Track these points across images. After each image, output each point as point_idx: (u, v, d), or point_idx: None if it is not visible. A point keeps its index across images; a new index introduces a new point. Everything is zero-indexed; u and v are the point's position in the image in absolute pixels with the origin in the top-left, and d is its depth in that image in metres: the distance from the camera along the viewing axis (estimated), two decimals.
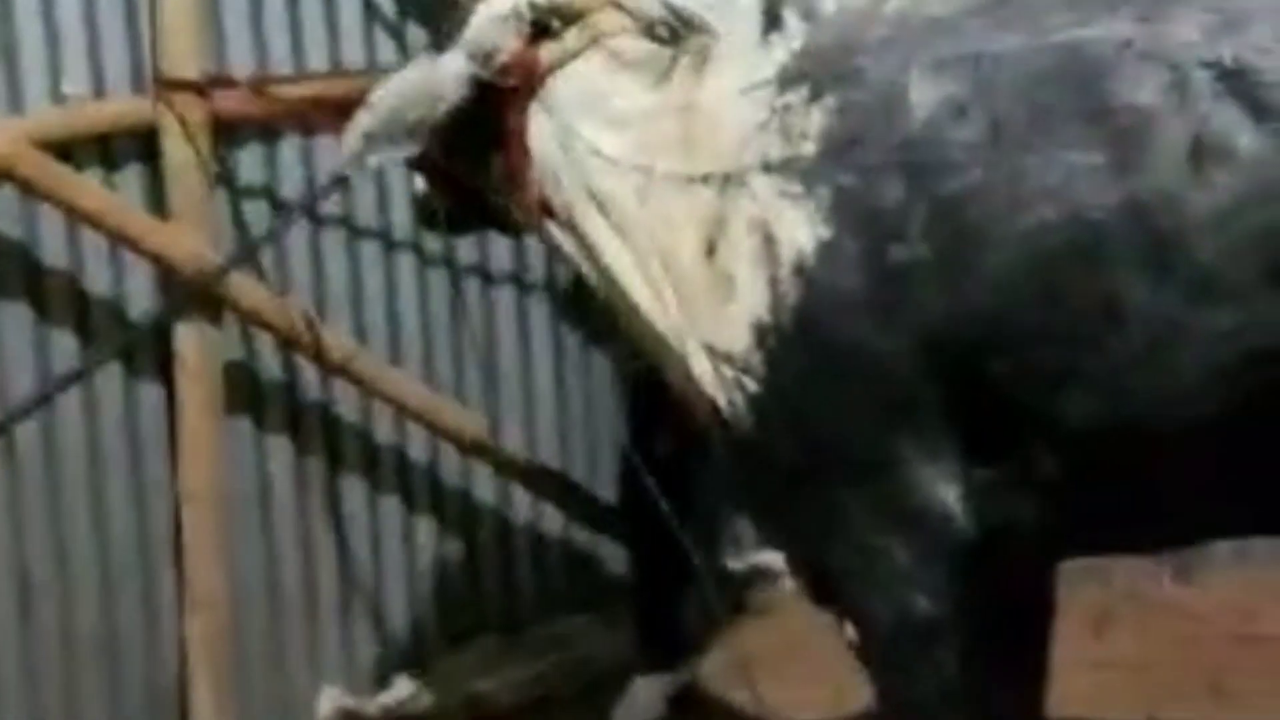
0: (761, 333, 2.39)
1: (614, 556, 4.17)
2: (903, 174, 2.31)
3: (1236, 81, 2.17)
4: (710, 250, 2.45)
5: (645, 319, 2.55)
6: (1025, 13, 2.33)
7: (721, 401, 2.45)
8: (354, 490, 3.97)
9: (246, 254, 3.73)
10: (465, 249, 4.02)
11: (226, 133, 3.69)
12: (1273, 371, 2.17)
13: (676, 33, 2.56)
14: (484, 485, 4.17)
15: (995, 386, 2.29)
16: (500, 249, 4.07)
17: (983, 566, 2.39)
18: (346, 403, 3.94)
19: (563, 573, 4.29)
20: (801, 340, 2.37)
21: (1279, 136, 2.14)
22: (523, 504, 4.23)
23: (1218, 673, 3.80)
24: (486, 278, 4.12)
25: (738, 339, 2.41)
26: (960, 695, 2.41)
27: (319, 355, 3.80)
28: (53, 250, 3.58)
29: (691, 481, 3.40)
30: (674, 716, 3.79)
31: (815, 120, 2.38)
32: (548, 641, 4.16)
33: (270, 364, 3.85)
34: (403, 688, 3.93)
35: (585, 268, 2.64)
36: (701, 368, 2.47)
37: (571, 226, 2.61)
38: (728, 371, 2.42)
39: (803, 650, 2.74)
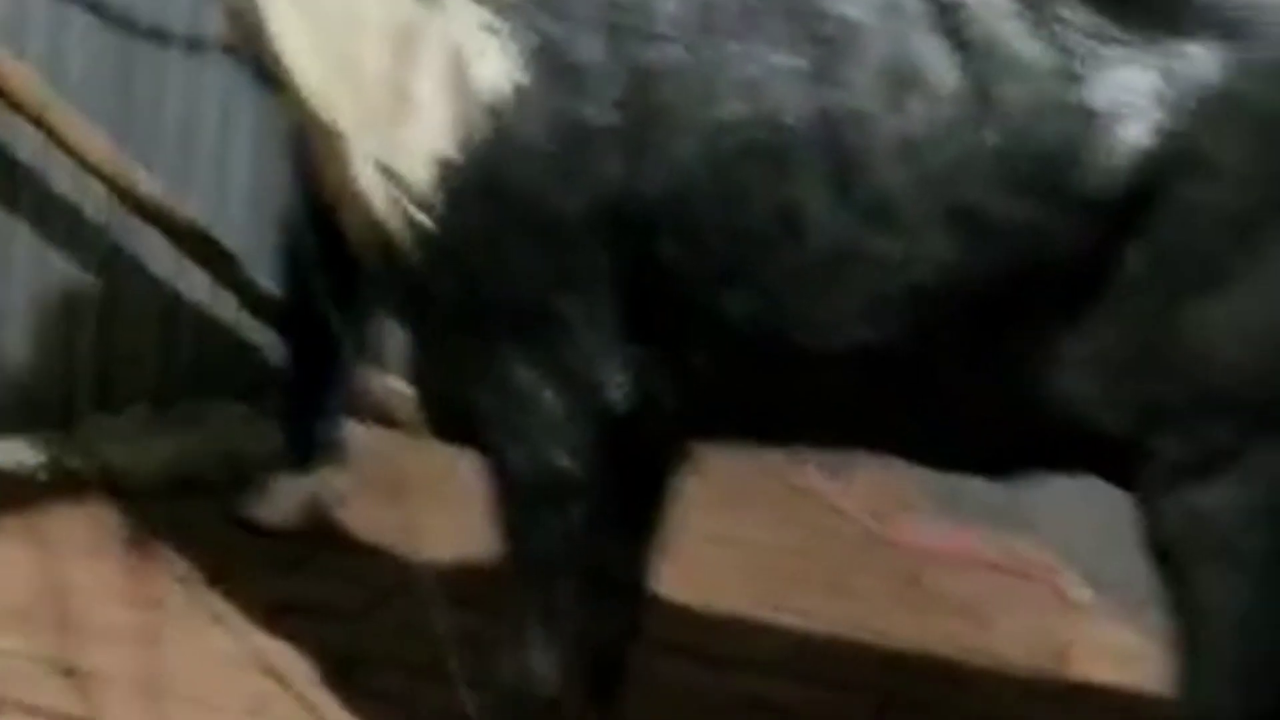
0: (444, 170, 2.33)
1: (276, 348, 4.09)
2: (608, 35, 2.26)
3: (948, 14, 2.17)
4: (396, 63, 2.35)
5: (314, 111, 2.43)
6: None
7: (391, 225, 2.40)
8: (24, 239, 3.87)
9: None
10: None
11: None
12: (933, 310, 2.19)
13: None
14: (161, 254, 4.08)
15: (663, 270, 2.28)
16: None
17: (623, 435, 2.40)
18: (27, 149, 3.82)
19: (225, 357, 4.22)
20: (484, 186, 2.32)
21: (978, 79, 2.15)
22: (198, 281, 4.15)
23: (843, 570, 3.89)
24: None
25: (417, 170, 2.34)
26: (580, 555, 2.43)
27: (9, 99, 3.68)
28: None
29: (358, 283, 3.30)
30: (318, 533, 3.75)
31: None
32: (197, 423, 4.08)
33: None
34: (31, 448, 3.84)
35: (262, 38, 2.47)
36: (372, 184, 2.38)
37: None
38: (403, 201, 2.36)
39: (455, 475, 2.71)
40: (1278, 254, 2.08)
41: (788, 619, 3.53)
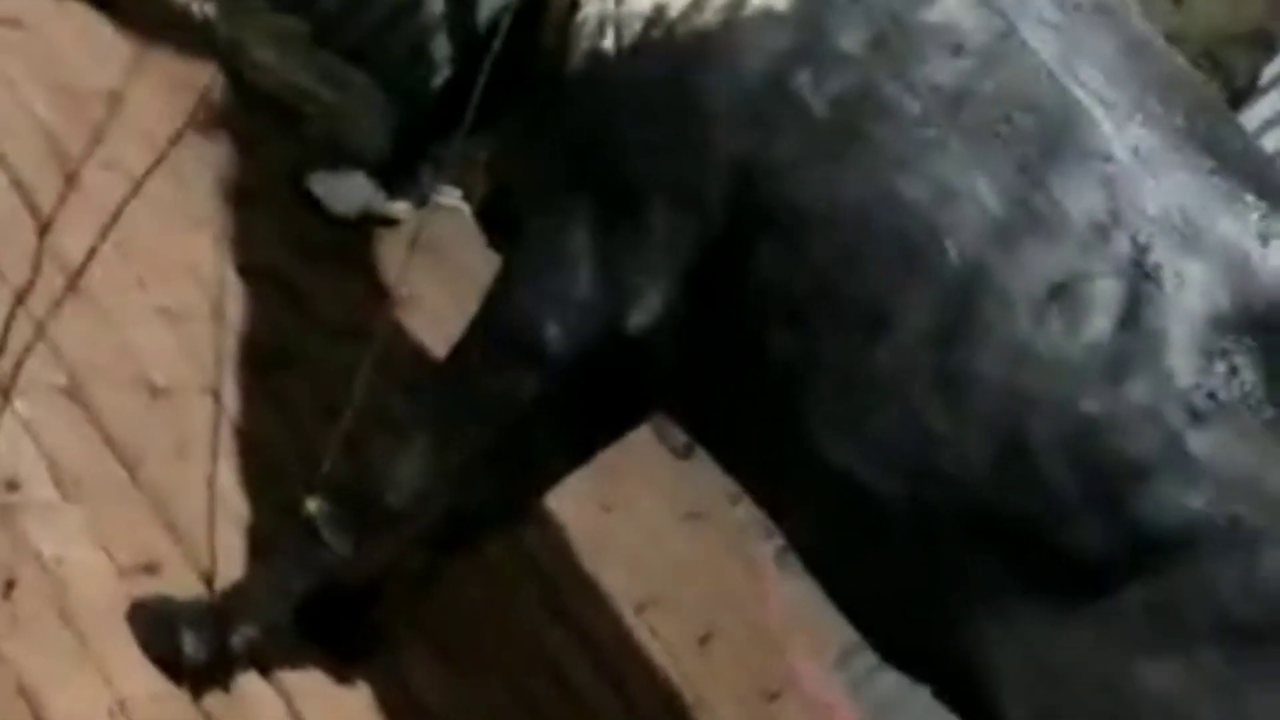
0: (660, 14, 2.16)
1: None
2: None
3: None
4: None
5: None
6: None
7: (575, 33, 2.24)
8: None
9: None
10: None
11: None
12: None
13: None
14: None
15: (745, 259, 2.10)
16: None
17: (611, 362, 2.28)
18: None
19: None
20: (686, 56, 2.14)
21: None
22: None
23: None
24: None
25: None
26: (507, 426, 2.34)
27: None
28: None
29: None
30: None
31: None
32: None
33: None
34: None
35: None
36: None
37: None
38: (608, 19, 2.20)
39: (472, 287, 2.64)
40: None
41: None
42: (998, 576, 2.01)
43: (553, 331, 2.23)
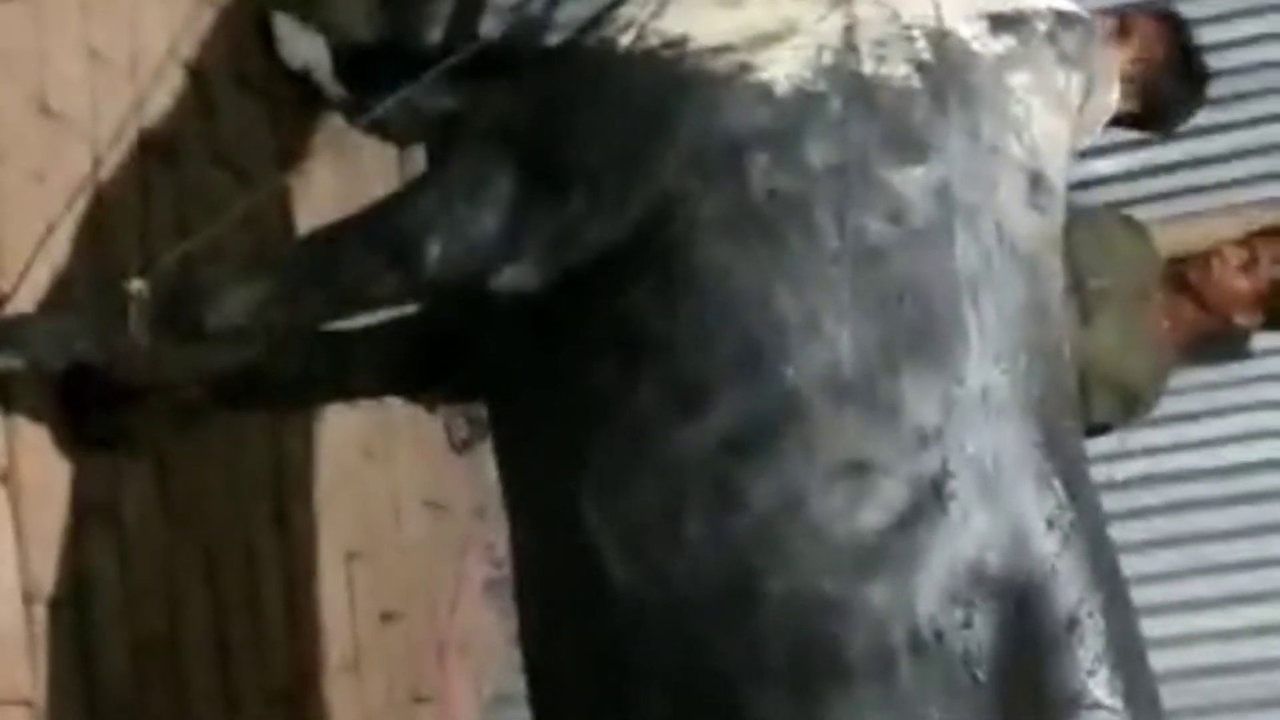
0: None
1: None
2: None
3: None
4: None
5: None
6: None
7: None
8: None
9: None
10: None
11: None
12: None
13: None
14: None
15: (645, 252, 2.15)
16: None
17: (474, 307, 2.32)
18: None
19: None
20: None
21: None
22: None
23: None
24: None
25: None
26: (346, 306, 2.37)
27: None
28: None
29: None
30: None
31: None
32: None
33: None
34: None
35: None
36: None
37: None
38: None
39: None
40: None
41: None
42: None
43: (434, 250, 2.23)
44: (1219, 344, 3.92)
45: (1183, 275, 3.70)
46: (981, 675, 1.97)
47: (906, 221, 2.09)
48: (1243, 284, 3.65)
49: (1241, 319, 3.69)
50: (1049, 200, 2.18)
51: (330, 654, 3.39)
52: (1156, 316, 3.80)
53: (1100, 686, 1.98)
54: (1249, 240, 3.69)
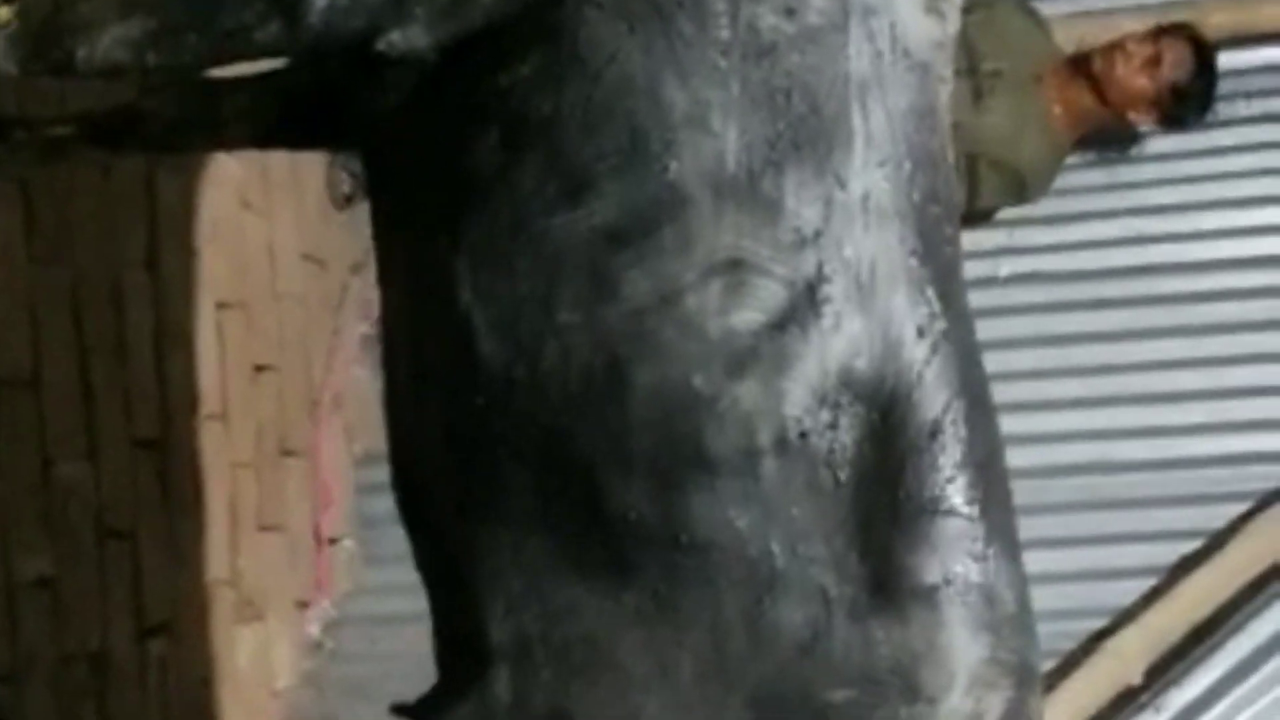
0: None
1: None
2: None
3: None
4: None
5: None
6: None
7: None
8: None
9: None
10: None
11: None
12: None
13: None
14: None
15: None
16: None
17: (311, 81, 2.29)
18: None
19: None
20: None
21: None
22: None
23: None
24: None
25: None
26: (221, 54, 2.27)
27: None
28: None
29: None
30: None
31: None
32: None
33: None
34: None
35: None
36: None
37: None
38: None
39: None
40: None
41: None
42: (527, 498, 2.04)
43: (321, 1, 2.14)
44: (1109, 137, 3.93)
45: (1086, 64, 3.70)
46: (843, 477, 1.99)
47: (800, 17, 2.04)
48: (1143, 82, 3.67)
49: (1135, 117, 3.71)
50: (947, 6, 2.14)
51: (199, 403, 3.36)
52: (1049, 102, 3.82)
53: (958, 494, 2.01)
54: (1156, 38, 3.69)
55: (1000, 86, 3.78)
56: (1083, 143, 3.86)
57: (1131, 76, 3.68)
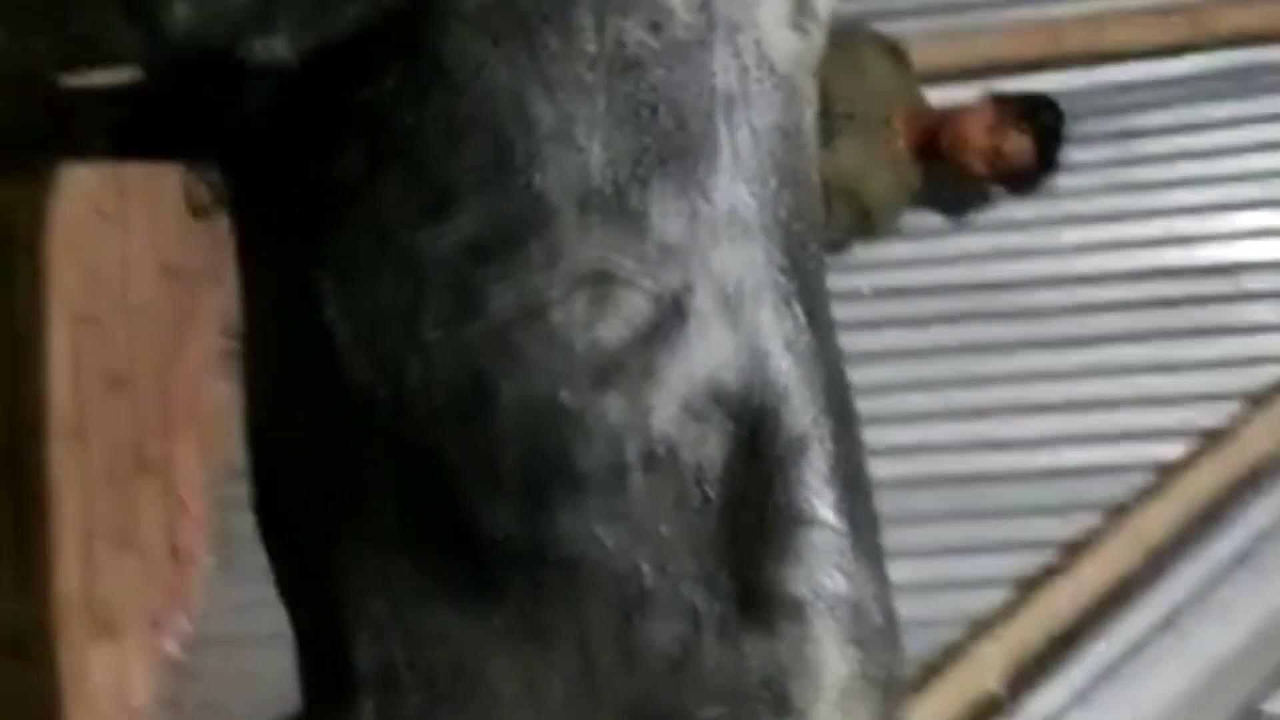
0: None
1: None
2: None
3: None
4: None
5: None
6: None
7: None
8: None
9: None
10: None
11: None
12: None
13: None
14: None
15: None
16: None
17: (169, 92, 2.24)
18: None
19: None
20: None
21: None
22: None
23: None
24: None
25: None
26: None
27: None
28: None
29: None
30: None
31: None
32: None
33: None
34: None
35: None
36: None
37: None
38: None
39: None
40: None
41: None
42: (392, 519, 2.00)
43: (180, 10, 2.10)
44: (962, 198, 4.08)
45: (934, 137, 3.85)
46: (712, 493, 1.98)
47: (666, 32, 2.02)
48: (983, 168, 3.84)
49: (975, 170, 3.87)
50: (812, 24, 2.14)
51: (52, 418, 3.29)
52: (897, 143, 3.92)
53: (826, 507, 2.00)
54: (997, 124, 3.90)
55: (850, 128, 3.87)
56: (935, 202, 4.01)
57: (973, 161, 3.85)
